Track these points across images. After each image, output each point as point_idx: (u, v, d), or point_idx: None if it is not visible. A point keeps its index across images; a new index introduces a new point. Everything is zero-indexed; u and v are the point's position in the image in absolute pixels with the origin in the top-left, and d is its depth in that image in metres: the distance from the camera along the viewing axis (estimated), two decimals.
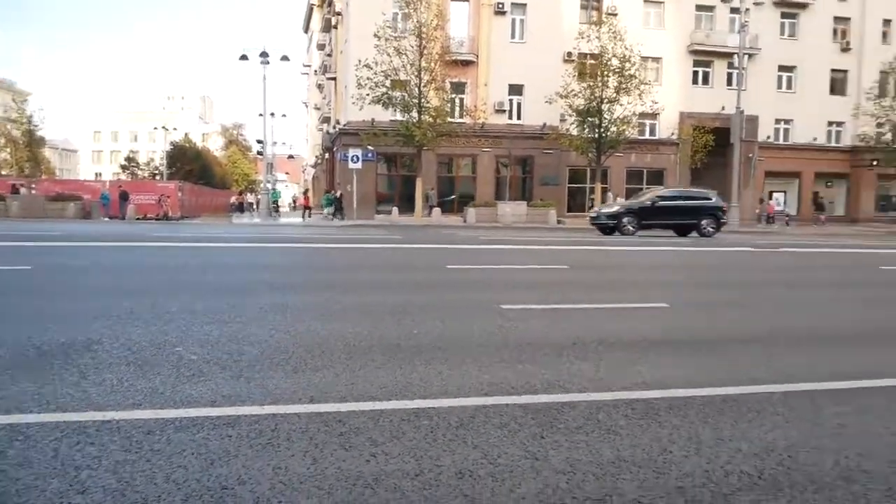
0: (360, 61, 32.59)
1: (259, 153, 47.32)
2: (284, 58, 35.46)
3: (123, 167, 74.84)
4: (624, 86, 34.97)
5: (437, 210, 35.06)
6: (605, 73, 35.14)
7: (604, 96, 35.14)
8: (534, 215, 34.34)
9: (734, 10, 40.32)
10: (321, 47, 58.59)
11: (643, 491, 2.79)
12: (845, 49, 44.98)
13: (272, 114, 51.90)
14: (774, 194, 45.57)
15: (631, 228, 24.66)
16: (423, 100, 33.05)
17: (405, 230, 26.03)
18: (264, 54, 34.14)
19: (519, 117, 40.06)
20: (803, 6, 44.12)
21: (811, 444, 3.43)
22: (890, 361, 5.51)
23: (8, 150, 55.54)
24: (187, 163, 58.34)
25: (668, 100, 40.52)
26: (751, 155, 39.12)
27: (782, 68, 44.35)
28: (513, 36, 39.93)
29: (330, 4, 50.06)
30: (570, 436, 3.43)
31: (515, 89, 39.86)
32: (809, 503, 2.74)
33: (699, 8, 43.08)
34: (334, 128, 44.94)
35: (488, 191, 39.59)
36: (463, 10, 39.03)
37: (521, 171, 41.23)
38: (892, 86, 42.06)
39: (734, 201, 35.34)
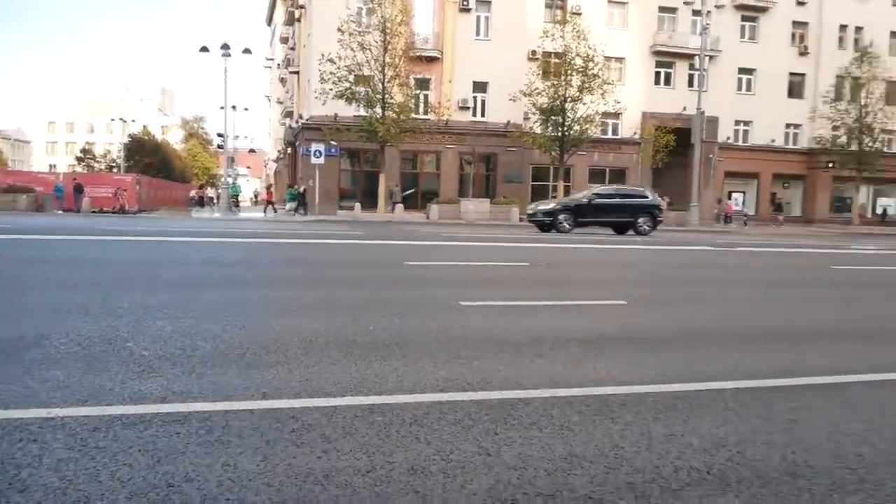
0: (323, 55, 32.26)
1: (220, 147, 46.69)
2: (246, 51, 34.92)
3: (79, 159, 73.26)
4: (587, 85, 35.22)
5: (399, 206, 34.95)
6: (569, 72, 35.35)
7: (567, 95, 35.36)
8: (497, 213, 34.44)
9: (696, 13, 40.96)
10: (284, 40, 57.97)
11: (594, 486, 2.81)
12: (803, 53, 45.96)
13: (234, 107, 51.40)
14: (734, 194, 46.38)
15: (567, 226, 24.57)
16: (386, 96, 32.86)
17: (367, 226, 25.92)
18: (225, 46, 33.58)
19: (483, 115, 40.12)
20: (763, 10, 44.96)
21: (760, 439, 3.49)
22: (841, 358, 5.64)
23: None
24: (146, 155, 57.31)
25: (631, 100, 40.93)
26: (711, 155, 39.75)
27: (742, 70, 45.15)
28: (477, 33, 39.96)
29: None
30: (523, 432, 3.44)
31: (480, 87, 39.92)
32: (756, 498, 2.78)
33: (662, 9, 43.61)
34: (297, 122, 44.53)
35: (452, 188, 39.63)
36: (428, 7, 38.93)
37: (485, 169, 41.33)
38: (848, 90, 43.11)
39: (694, 201, 35.93)
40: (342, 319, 6.26)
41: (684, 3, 42.33)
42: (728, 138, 44.60)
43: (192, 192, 53.45)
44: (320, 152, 33.51)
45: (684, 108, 40.71)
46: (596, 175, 42.50)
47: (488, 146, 39.79)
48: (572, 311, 7.53)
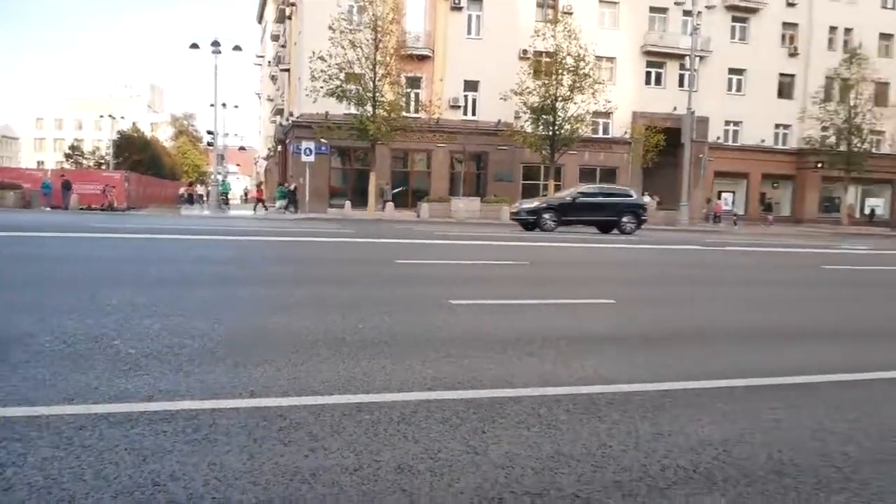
0: (314, 53, 32.18)
1: (210, 144, 46.50)
2: (237, 48, 34.84)
3: (67, 156, 72.69)
4: (578, 84, 35.29)
5: (390, 205, 34.92)
6: (560, 71, 35.41)
7: (558, 94, 35.42)
8: (487, 211, 34.46)
9: (687, 13, 41.10)
10: (275, 38, 57.81)
11: (581, 485, 2.81)
12: (793, 54, 46.21)
13: (224, 104, 51.20)
14: (723, 194, 46.62)
15: (551, 224, 24.50)
16: (377, 94, 32.82)
17: (357, 224, 25.87)
18: (216, 43, 33.46)
19: (474, 113, 40.14)
20: (753, 11, 45.16)
21: (746, 438, 3.50)
22: (828, 357, 5.67)
23: None
24: (135, 153, 56.92)
25: (622, 99, 41.06)
26: (701, 155, 39.92)
27: (732, 71, 45.36)
28: (469, 32, 39.97)
29: None
30: (511, 430, 3.44)
31: (471, 85, 39.93)
32: (742, 496, 2.79)
33: (653, 10, 43.75)
34: (287, 120, 44.42)
35: (442, 186, 39.63)
36: (419, 5, 38.92)
37: (476, 167, 41.36)
38: (837, 91, 43.36)
39: (684, 200, 36.06)
40: (331, 317, 6.24)
41: (675, 3, 42.48)
42: (718, 138, 44.80)
43: (182, 190, 53.24)
44: (311, 150, 33.45)
45: (675, 108, 40.84)
46: (586, 174, 42.62)
47: (479, 145, 39.81)
48: (562, 310, 7.54)
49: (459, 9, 39.34)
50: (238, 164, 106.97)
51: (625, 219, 25.38)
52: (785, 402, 4.21)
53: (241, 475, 2.78)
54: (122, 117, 78.57)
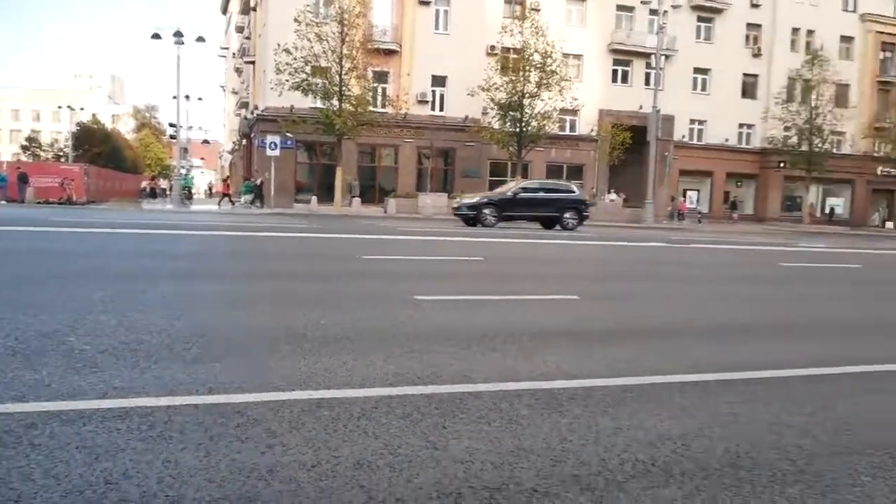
0: (279, 46, 31.84)
1: (172, 137, 45.78)
2: (200, 39, 34.28)
3: (24, 148, 70.98)
4: (545, 81, 35.43)
5: (357, 200, 34.76)
6: (527, 68, 35.52)
7: (525, 91, 35.52)
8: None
9: (653, 12, 41.51)
10: (240, 30, 57.05)
11: (540, 479, 2.82)
12: (756, 54, 46.95)
13: (187, 97, 50.37)
14: (688, 192, 47.24)
15: (491, 220, 24.34)
16: (344, 88, 32.59)
17: (324, 219, 25.70)
18: (178, 34, 32.88)
19: (441, 109, 40.11)
20: (718, 11, 45.77)
21: (704, 432, 3.53)
22: (785, 352, 5.76)
23: None
24: (95, 145, 55.89)
25: (588, 97, 41.34)
26: (666, 153, 40.38)
27: (697, 70, 45.94)
28: (436, 27, 39.90)
29: None
30: (472, 425, 3.43)
31: (438, 81, 39.88)
32: (699, 489, 2.82)
33: (620, 8, 44.08)
34: (252, 113, 43.90)
35: (410, 182, 39.53)
36: None
37: (443, 163, 41.33)
38: (799, 92, 44.16)
39: (649, 198, 36.42)
40: (293, 313, 6.18)
41: (641, 2, 42.92)
42: (683, 137, 45.36)
43: (144, 183, 52.40)
44: (276, 144, 33.11)
45: (641, 107, 41.25)
46: (553, 171, 42.87)
47: (446, 141, 39.79)
48: (525, 306, 7.56)
49: (427, 3, 39.26)
50: (202, 158, 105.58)
51: (567, 214, 25.32)
52: (743, 396, 4.27)
53: (196, 472, 2.73)
54: (82, 109, 76.90)
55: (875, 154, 48.91)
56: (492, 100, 35.84)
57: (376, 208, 35.54)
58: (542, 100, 35.41)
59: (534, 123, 35.74)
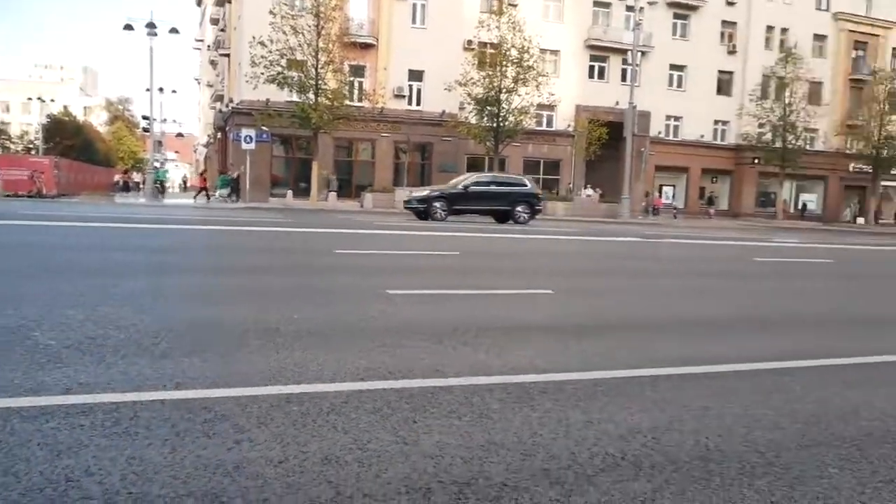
0: (254, 38, 31.52)
1: (146, 130, 45.16)
2: (173, 30, 33.85)
3: None
4: (522, 76, 35.43)
5: (333, 195, 34.55)
6: (504, 63, 35.51)
7: (502, 86, 35.51)
8: None
9: (629, 9, 41.64)
10: (215, 22, 56.41)
11: (510, 473, 2.81)
12: (731, 52, 47.35)
13: (161, 89, 49.78)
14: (664, 188, 47.59)
15: (441, 213, 23.98)
16: (320, 81, 32.37)
17: (299, 214, 25.53)
18: (151, 25, 32.45)
19: (419, 103, 39.98)
20: (694, 8, 46.07)
21: (674, 425, 3.55)
22: (756, 346, 5.81)
23: None
24: (67, 137, 55.01)
25: (565, 92, 41.41)
26: (642, 149, 40.61)
27: (673, 67, 46.21)
28: (413, 21, 39.73)
29: None
30: (442, 420, 3.41)
31: (415, 75, 39.75)
32: (668, 482, 2.82)
33: (596, 4, 44.18)
34: (227, 106, 43.45)
35: (387, 176, 39.40)
36: None
37: (420, 158, 41.23)
38: (773, 89, 44.63)
39: (626, 193, 36.62)
40: (266, 308, 6.12)
41: None
42: (659, 133, 45.64)
43: (117, 177, 51.70)
44: (251, 138, 32.79)
45: (617, 103, 41.41)
46: (530, 166, 42.95)
47: (423, 135, 39.68)
48: (499, 300, 7.56)
49: None
50: (177, 152, 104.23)
51: (519, 208, 25.01)
52: (714, 389, 4.29)
53: (161, 469, 2.69)
54: (53, 100, 75.67)
55: (847, 151, 49.60)
56: (469, 94, 35.77)
57: (353, 203, 35.37)
58: (518, 95, 35.41)
59: (511, 118, 35.76)
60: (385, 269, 10.01)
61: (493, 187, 25.49)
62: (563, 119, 42.81)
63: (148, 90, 35.97)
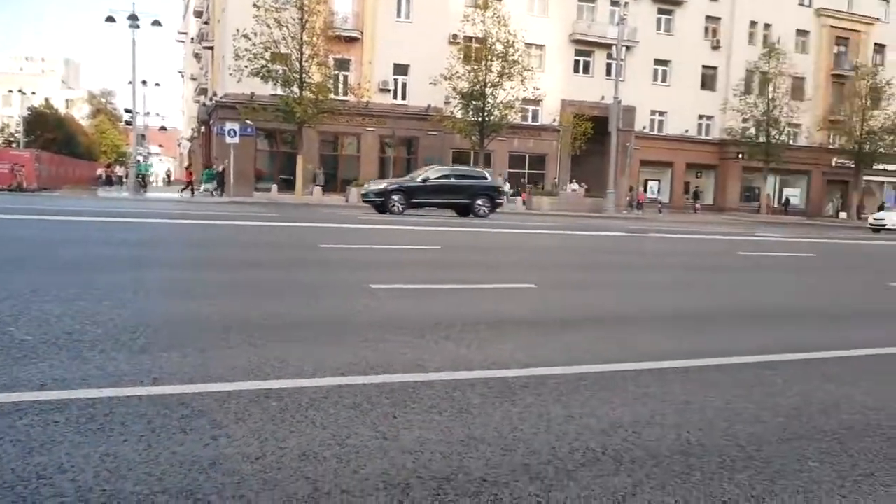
0: (238, 31, 31.23)
1: (128, 123, 44.72)
2: (156, 23, 33.50)
3: None
4: (507, 71, 35.39)
5: (318, 189, 34.38)
6: (490, 57, 35.46)
7: (487, 80, 35.46)
8: None
9: (614, 3, 41.75)
10: (198, 14, 55.87)
11: (489, 468, 2.78)
12: (716, 47, 47.55)
13: (144, 82, 49.30)
14: (649, 182, 47.76)
15: (399, 206, 23.54)
16: (304, 75, 32.17)
17: (284, 208, 25.39)
18: (133, 17, 32.09)
19: (404, 97, 39.83)
20: (678, 3, 46.19)
21: (656, 419, 3.54)
22: (739, 340, 5.82)
23: None
24: (48, 130, 54.44)
25: (550, 87, 41.41)
26: (627, 144, 40.69)
27: (658, 62, 46.33)
28: (398, 14, 39.55)
29: None
30: (423, 415, 3.38)
31: (401, 69, 39.58)
32: (648, 477, 2.81)
33: None
34: (211, 100, 43.10)
35: (372, 170, 39.21)
36: None
37: (406, 152, 41.08)
38: (757, 84, 44.86)
39: (611, 188, 36.68)
40: (248, 302, 6.07)
41: None
42: (644, 128, 45.77)
43: (99, 171, 51.22)
44: (235, 132, 32.54)
45: (602, 97, 41.45)
46: (516, 160, 42.98)
47: (409, 129, 39.56)
48: (482, 294, 7.53)
49: None
50: (160, 145, 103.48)
51: (479, 201, 24.71)
52: (696, 383, 4.29)
53: (135, 465, 2.64)
54: (34, 93, 74.81)
55: (830, 146, 50.02)
56: (454, 89, 35.69)
57: (338, 197, 35.21)
58: (504, 89, 35.37)
59: (496, 113, 35.72)
60: (369, 264, 9.97)
61: (452, 180, 25.13)
62: (548, 114, 42.83)
63: (130, 83, 35.62)
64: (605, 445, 3.12)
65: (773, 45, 44.51)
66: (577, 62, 44.45)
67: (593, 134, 38.61)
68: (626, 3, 39.89)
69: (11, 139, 61.65)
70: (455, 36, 38.38)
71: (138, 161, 38.20)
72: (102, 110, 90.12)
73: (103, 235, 12.18)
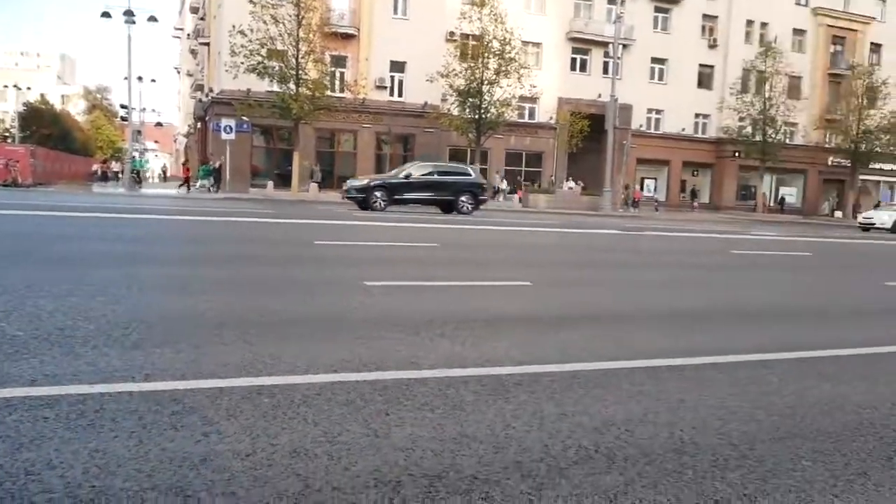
0: (234, 27, 31.18)
1: (124, 119, 44.57)
2: (152, 18, 33.43)
3: None
4: (504, 68, 35.37)
5: (314, 185, 34.32)
6: (486, 54, 35.41)
7: (484, 78, 35.43)
8: None
9: (611, 1, 41.72)
10: (194, 10, 55.76)
11: (481, 466, 2.77)
12: (712, 45, 47.59)
13: (140, 78, 49.15)
14: (646, 181, 47.79)
15: (381, 203, 23.20)
16: (300, 71, 32.10)
17: (279, 205, 25.34)
18: (129, 13, 31.99)
19: (401, 95, 39.79)
20: (675, 2, 46.19)
21: (649, 418, 3.53)
22: (733, 339, 5.82)
23: None
24: (44, 126, 54.27)
25: (547, 85, 41.41)
26: (624, 142, 40.71)
27: (655, 60, 46.36)
28: (395, 12, 39.50)
29: None
30: (415, 412, 3.37)
31: (397, 66, 39.53)
32: (641, 475, 2.80)
33: None
34: (207, 96, 43.02)
35: (368, 167, 39.15)
36: None
37: (402, 149, 41.05)
38: (753, 83, 44.90)
39: (607, 186, 36.69)
40: (242, 299, 6.05)
41: None
42: (641, 126, 45.78)
43: (95, 166, 51.09)
44: (231, 128, 32.47)
45: (599, 95, 41.45)
46: (513, 158, 42.96)
47: (405, 127, 39.53)
48: (477, 292, 7.52)
49: None
50: (156, 141, 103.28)
51: (462, 198, 24.50)
52: (691, 382, 4.28)
53: (125, 462, 2.62)
54: (29, 88, 74.69)
55: (826, 145, 50.16)
56: (451, 86, 35.66)
57: (334, 194, 35.09)
58: (500, 87, 35.35)
59: (493, 110, 35.69)
60: (365, 261, 9.95)
61: (435, 176, 24.78)
62: (545, 111, 42.83)
63: (126, 79, 35.51)
64: (598, 443, 3.11)
65: (769, 44, 44.56)
66: (573, 60, 44.44)
67: (590, 132, 38.58)
68: (623, 2, 39.95)
69: (7, 134, 61.45)
70: (452, 33, 38.31)
71: (134, 157, 38.10)
72: (98, 106, 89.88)
73: (98, 231, 12.13)
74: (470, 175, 25.76)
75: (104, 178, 47.93)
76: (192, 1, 56.58)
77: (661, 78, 46.79)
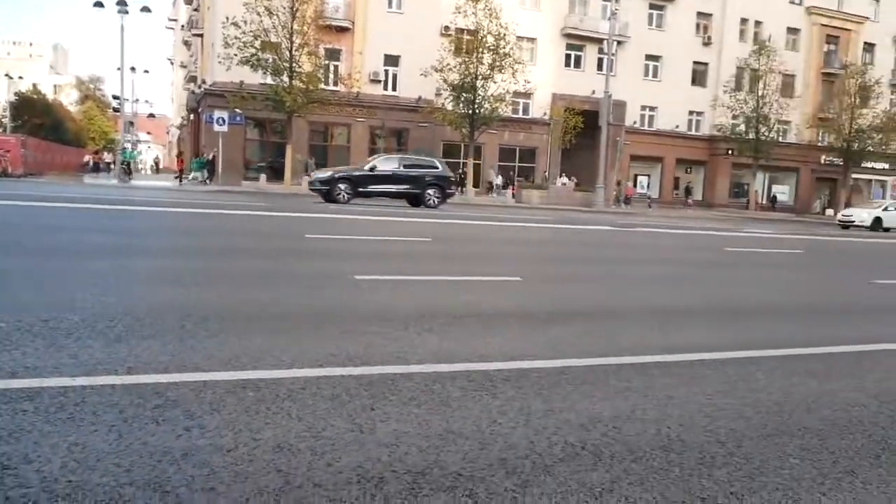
0: (227, 19, 30.98)
1: (115, 110, 44.29)
2: (145, 9, 33.20)
3: None
4: (498, 63, 35.26)
5: (307, 178, 34.14)
6: (481, 49, 35.32)
7: (478, 73, 35.33)
8: None
9: None
10: (188, 1, 55.42)
11: (466, 463, 2.74)
12: (706, 43, 47.60)
13: (133, 69, 48.88)
14: (639, 177, 47.81)
15: (345, 195, 22.71)
16: (294, 64, 31.95)
17: (272, 198, 25.21)
18: (122, 3, 31.75)
19: (395, 89, 39.65)
20: None
21: (637, 414, 3.51)
22: (723, 335, 5.81)
23: None
24: (35, 116, 53.95)
25: (542, 80, 41.35)
26: (618, 138, 40.64)
27: (649, 57, 46.32)
28: (390, 5, 39.30)
29: None
30: (401, 407, 3.34)
31: (391, 60, 39.38)
32: (627, 472, 2.78)
33: None
34: (200, 87, 42.78)
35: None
36: None
37: (396, 144, 40.88)
38: (747, 81, 44.94)
39: (600, 182, 36.65)
40: (230, 292, 6.00)
41: None
42: (634, 123, 45.74)
43: (87, 157, 50.79)
44: (223, 120, 32.27)
45: (593, 92, 41.39)
46: (507, 154, 42.87)
47: (399, 121, 39.40)
48: (467, 287, 7.48)
49: None
50: (149, 133, 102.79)
51: (429, 191, 24.08)
52: (679, 378, 4.26)
53: (104, 456, 2.58)
54: (21, 77, 74.08)
55: (819, 143, 50.26)
56: (445, 81, 35.57)
57: None
58: (494, 82, 35.24)
59: (487, 105, 35.59)
60: (355, 254, 9.90)
61: (401, 169, 24.32)
62: (539, 107, 42.77)
63: (119, 69, 35.29)
64: (585, 440, 3.09)
65: (763, 43, 44.58)
66: (568, 56, 44.37)
67: (584, 128, 38.57)
68: None
69: None
70: (446, 28, 38.18)
71: (125, 148, 37.89)
72: (91, 96, 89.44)
73: (88, 222, 12.04)
74: (437, 168, 25.27)
75: (96, 168, 47.65)
76: None
77: (655, 75, 46.77)
